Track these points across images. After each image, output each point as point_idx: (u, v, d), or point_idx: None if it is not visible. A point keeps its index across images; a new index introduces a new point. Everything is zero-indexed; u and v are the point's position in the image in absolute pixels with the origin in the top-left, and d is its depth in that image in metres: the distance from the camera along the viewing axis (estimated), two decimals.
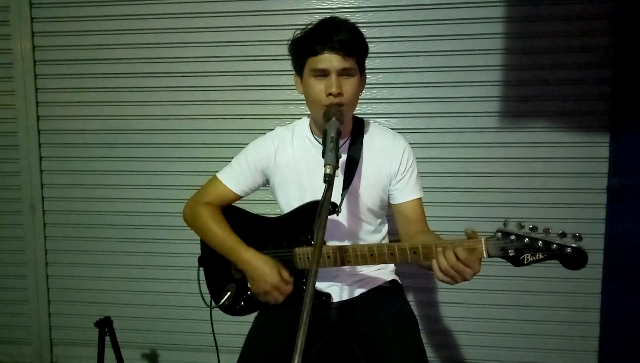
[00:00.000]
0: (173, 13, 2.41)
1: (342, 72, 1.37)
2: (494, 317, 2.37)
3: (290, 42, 1.47)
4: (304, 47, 1.41)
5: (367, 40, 1.47)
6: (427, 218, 1.57)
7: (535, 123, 2.25)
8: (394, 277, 1.65)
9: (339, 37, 1.36)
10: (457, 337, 2.43)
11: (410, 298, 2.39)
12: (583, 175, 2.25)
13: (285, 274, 1.42)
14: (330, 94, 1.36)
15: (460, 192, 2.33)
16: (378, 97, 2.32)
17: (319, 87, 1.38)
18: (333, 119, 1.30)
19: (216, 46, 2.40)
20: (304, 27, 1.45)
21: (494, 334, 2.39)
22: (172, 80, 2.45)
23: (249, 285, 1.50)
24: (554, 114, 2.24)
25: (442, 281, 1.23)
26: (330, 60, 1.36)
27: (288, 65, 1.54)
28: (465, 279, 1.20)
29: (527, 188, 2.28)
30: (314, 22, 1.44)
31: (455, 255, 1.18)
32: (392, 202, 1.57)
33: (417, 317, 1.54)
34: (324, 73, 1.37)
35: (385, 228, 1.65)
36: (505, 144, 2.28)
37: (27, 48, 2.51)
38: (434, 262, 1.22)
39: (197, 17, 2.40)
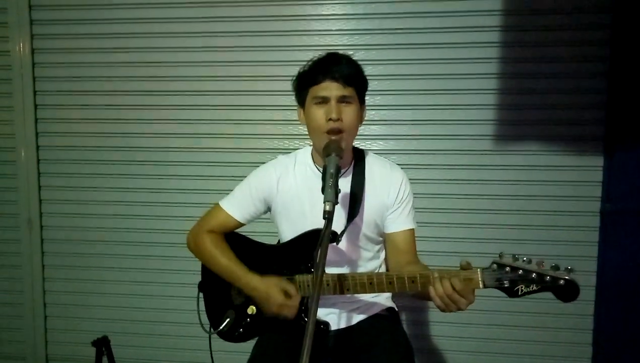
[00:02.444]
0: (177, 33, 2.44)
1: (342, 100, 1.43)
2: (487, 337, 2.40)
3: (294, 78, 1.53)
4: (307, 78, 1.47)
5: (365, 63, 1.52)
6: (422, 238, 1.61)
7: (530, 146, 2.29)
8: (391, 304, 1.67)
9: (339, 67, 1.43)
10: (450, 355, 2.45)
11: (406, 317, 2.41)
12: (577, 199, 2.28)
13: (291, 290, 1.43)
14: (330, 119, 1.41)
15: (454, 214, 2.36)
16: (376, 118, 2.35)
17: (319, 113, 1.43)
18: (333, 154, 1.32)
19: (219, 65, 2.43)
20: (306, 63, 1.50)
21: (487, 353, 2.41)
22: (173, 99, 2.47)
23: (249, 309, 1.52)
24: (548, 137, 2.28)
25: (438, 307, 1.27)
26: (330, 88, 1.42)
27: (289, 85, 1.57)
28: (459, 309, 1.25)
29: (521, 210, 2.32)
30: (316, 57, 1.49)
31: (452, 285, 1.22)
32: (384, 231, 1.59)
33: (412, 336, 1.57)
34: (324, 100, 1.43)
35: (383, 255, 1.67)
36: (500, 167, 2.31)
37: (27, 63, 2.53)
38: (431, 288, 1.26)
39: (199, 36, 2.42)
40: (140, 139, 2.52)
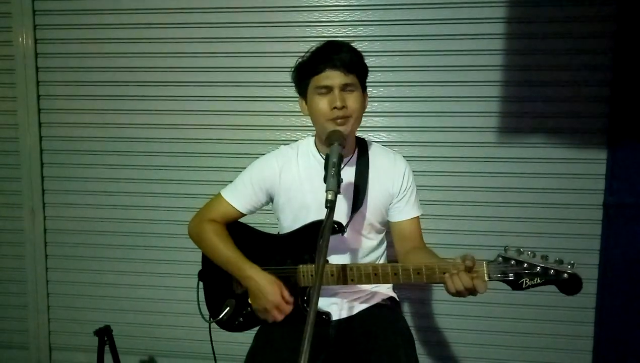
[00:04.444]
0: (181, 23, 2.43)
1: (345, 88, 1.43)
2: (489, 329, 2.40)
3: (293, 69, 1.53)
4: (307, 68, 1.47)
5: (369, 53, 1.54)
6: (423, 230, 1.63)
7: (533, 139, 2.28)
8: (392, 293, 1.68)
9: (339, 55, 1.43)
10: (451, 347, 2.45)
11: (407, 309, 2.42)
12: (580, 191, 2.28)
13: (286, 294, 1.45)
14: (335, 108, 1.41)
15: (457, 205, 2.36)
16: (379, 110, 2.35)
17: (323, 102, 1.44)
18: (335, 143, 1.32)
19: (222, 57, 2.42)
20: (304, 53, 1.50)
21: (488, 346, 2.42)
22: (177, 90, 2.47)
23: (250, 301, 1.52)
24: (551, 130, 2.27)
25: (452, 295, 1.29)
26: (332, 76, 1.42)
27: (289, 77, 1.58)
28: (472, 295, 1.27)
29: (524, 203, 2.31)
30: (315, 47, 1.49)
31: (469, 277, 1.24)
32: (390, 219, 1.61)
33: (414, 328, 1.58)
34: (327, 89, 1.43)
35: (385, 244, 1.68)
36: (503, 159, 2.31)
37: (30, 54, 2.52)
38: (449, 283, 1.27)
39: (201, 27, 2.42)
40: (143, 130, 2.51)
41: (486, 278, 1.26)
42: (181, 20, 2.42)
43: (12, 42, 2.53)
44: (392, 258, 1.72)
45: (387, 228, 1.67)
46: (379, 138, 2.35)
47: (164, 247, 2.55)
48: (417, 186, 1.63)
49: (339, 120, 1.42)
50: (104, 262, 2.62)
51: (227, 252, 1.52)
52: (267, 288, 1.43)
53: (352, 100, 1.44)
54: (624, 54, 2.16)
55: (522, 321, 2.37)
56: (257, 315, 1.52)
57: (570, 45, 2.22)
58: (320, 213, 1.41)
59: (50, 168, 2.61)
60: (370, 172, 1.55)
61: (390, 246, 1.68)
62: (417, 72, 2.31)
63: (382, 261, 1.66)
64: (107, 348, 2.11)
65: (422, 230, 1.62)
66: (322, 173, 1.28)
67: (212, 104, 2.46)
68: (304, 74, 1.48)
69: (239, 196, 1.59)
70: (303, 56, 1.51)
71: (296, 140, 1.68)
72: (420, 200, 1.64)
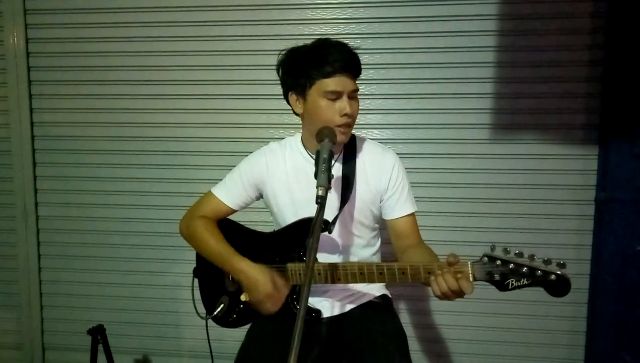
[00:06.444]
0: (174, 21, 2.42)
1: (352, 94, 1.43)
2: (481, 325, 2.41)
3: (281, 62, 1.50)
4: (313, 68, 1.41)
5: (361, 51, 1.51)
6: (420, 230, 1.60)
7: (526, 135, 2.29)
8: (385, 291, 1.67)
9: (346, 58, 1.41)
10: (445, 344, 2.46)
11: (401, 306, 2.42)
12: (571, 187, 2.29)
13: (280, 282, 1.42)
14: (345, 115, 1.41)
15: (451, 202, 2.36)
16: (371, 107, 2.35)
17: (332, 108, 1.41)
18: (326, 140, 1.32)
19: (213, 55, 2.42)
20: (292, 47, 1.48)
21: (481, 342, 2.43)
22: (169, 88, 2.46)
23: (241, 298, 1.51)
24: (543, 126, 2.28)
25: (438, 297, 1.26)
26: (344, 82, 1.41)
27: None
28: (460, 297, 1.24)
29: (516, 199, 2.32)
30: (309, 44, 1.46)
31: (454, 279, 1.21)
32: (384, 217, 1.60)
33: (408, 325, 1.56)
34: (337, 95, 1.41)
35: (379, 242, 1.67)
36: (495, 156, 2.31)
37: (21, 53, 2.51)
38: (433, 284, 1.24)
39: (193, 25, 2.41)
40: (134, 129, 2.51)
41: (471, 279, 1.22)
42: (170, 18, 2.41)
43: (3, 41, 2.52)
44: (388, 256, 1.72)
45: (382, 225, 1.66)
46: (371, 135, 2.35)
47: (157, 246, 2.55)
48: (410, 183, 1.60)
49: (342, 129, 1.42)
50: (97, 261, 2.61)
51: (217, 247, 1.51)
52: (257, 279, 1.41)
53: (355, 107, 1.45)
54: (614, 49, 2.17)
55: (516, 316, 2.38)
56: (252, 309, 1.50)
57: (561, 42, 2.23)
58: (308, 210, 1.40)
59: (43, 167, 2.60)
60: (357, 167, 1.54)
61: (387, 243, 1.67)
62: (409, 69, 2.32)
63: (375, 259, 1.65)
64: (100, 347, 2.11)
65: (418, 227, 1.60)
66: (309, 169, 1.26)
67: (204, 102, 2.45)
68: (307, 73, 1.41)
69: (229, 192, 1.59)
70: (297, 51, 1.46)
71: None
72: (414, 197, 1.62)
